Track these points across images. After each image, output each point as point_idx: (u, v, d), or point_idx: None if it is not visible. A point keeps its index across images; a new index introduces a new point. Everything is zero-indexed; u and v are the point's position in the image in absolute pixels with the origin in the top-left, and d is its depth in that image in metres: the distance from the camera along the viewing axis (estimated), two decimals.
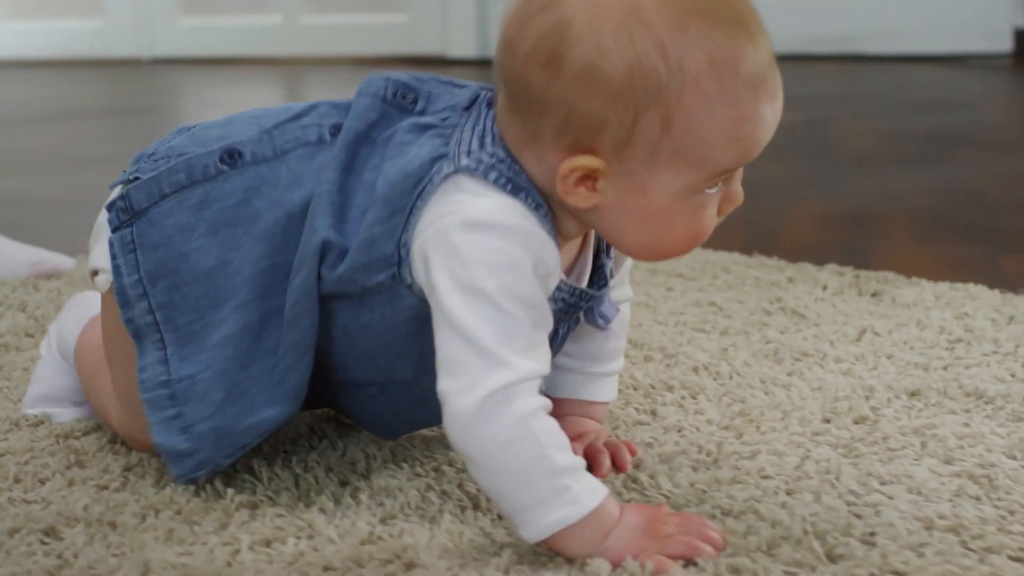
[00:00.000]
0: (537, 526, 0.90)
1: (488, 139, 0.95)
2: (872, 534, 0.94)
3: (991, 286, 1.56)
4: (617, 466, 1.06)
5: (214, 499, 1.02)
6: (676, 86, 0.88)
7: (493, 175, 0.93)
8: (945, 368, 1.29)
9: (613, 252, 1.06)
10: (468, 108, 0.98)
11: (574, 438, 1.06)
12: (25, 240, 1.89)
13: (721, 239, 1.89)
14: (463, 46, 4.62)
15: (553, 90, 0.89)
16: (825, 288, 1.58)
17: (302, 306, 0.97)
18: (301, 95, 4.54)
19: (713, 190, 0.93)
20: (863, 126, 2.93)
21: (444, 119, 0.97)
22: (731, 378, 1.28)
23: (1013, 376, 1.26)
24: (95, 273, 1.08)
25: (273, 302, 0.99)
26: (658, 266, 1.70)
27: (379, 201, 0.95)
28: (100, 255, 1.05)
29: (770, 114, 0.91)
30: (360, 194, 0.97)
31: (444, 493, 1.03)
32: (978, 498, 1.00)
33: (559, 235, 0.96)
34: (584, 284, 1.02)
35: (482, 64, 4.88)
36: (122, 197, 1.02)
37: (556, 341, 1.02)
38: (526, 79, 0.91)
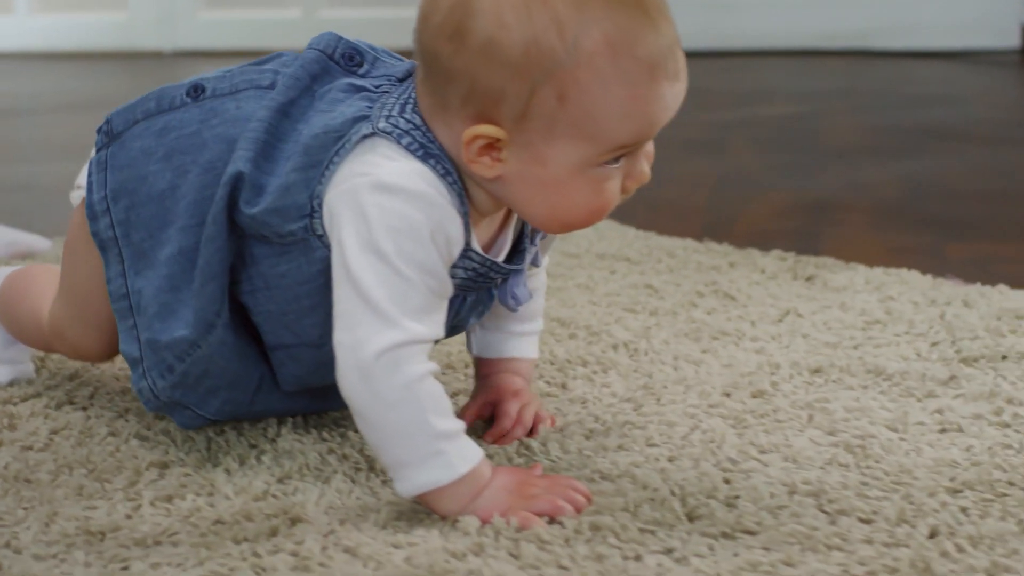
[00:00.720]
0: (411, 483, 0.95)
1: (408, 107, 0.99)
2: (736, 497, 0.99)
3: (936, 273, 1.60)
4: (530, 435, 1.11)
5: (128, 459, 1.09)
6: (571, 63, 0.92)
7: (406, 140, 0.97)
8: (855, 347, 1.33)
9: (538, 238, 1.10)
10: (402, 80, 1.02)
11: (511, 395, 1.13)
12: (14, 225, 1.95)
13: (678, 225, 1.93)
14: None
15: (458, 61, 0.94)
16: (763, 272, 1.62)
17: (210, 230, 1.02)
18: None
19: (615, 165, 0.97)
20: (853, 120, 2.96)
21: (377, 85, 1.02)
22: (646, 354, 1.33)
23: (918, 355, 1.30)
24: (77, 188, 1.14)
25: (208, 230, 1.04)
26: (607, 250, 1.75)
27: (300, 150, 1.00)
28: (82, 174, 1.12)
29: (669, 95, 0.95)
30: (289, 141, 1.02)
31: (344, 456, 1.09)
32: (847, 466, 1.04)
33: (473, 207, 1.01)
34: (500, 260, 1.06)
35: None
36: (107, 121, 1.10)
37: (464, 308, 1.07)
38: (435, 50, 0.95)
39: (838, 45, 4.28)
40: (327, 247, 1.00)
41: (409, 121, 0.98)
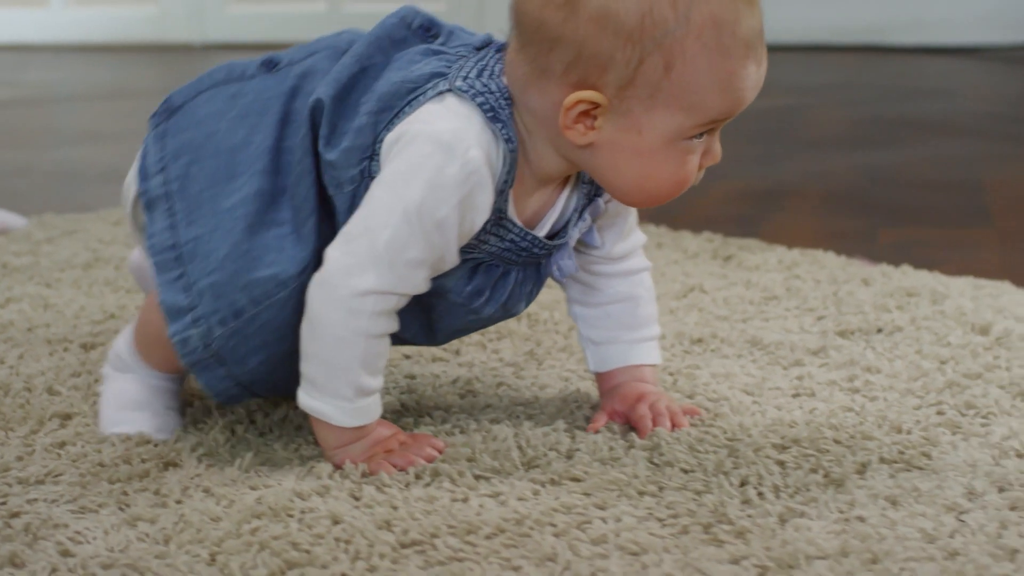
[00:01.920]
0: (311, 402, 1.03)
1: (487, 74, 1.01)
2: (576, 450, 1.06)
3: (863, 256, 1.66)
4: (674, 424, 1.10)
5: (36, 410, 1.18)
6: (681, 34, 0.96)
7: (480, 100, 1.00)
8: (743, 320, 1.40)
9: (588, 215, 1.10)
10: (479, 49, 1.05)
11: (635, 400, 1.12)
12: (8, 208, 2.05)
13: None
14: (497, 32, 4.76)
15: (567, 28, 0.96)
16: (685, 252, 1.69)
17: (303, 165, 1.03)
18: None
19: (699, 140, 1.00)
20: (838, 113, 3.01)
21: (456, 51, 1.05)
22: (544, 324, 1.40)
23: (800, 328, 1.37)
24: (136, 204, 1.11)
25: (288, 181, 1.04)
26: None
27: (375, 97, 1.02)
28: (131, 172, 1.11)
29: (755, 74, 0.99)
30: (361, 91, 1.03)
31: (228, 411, 1.17)
32: (694, 425, 1.11)
33: (530, 176, 1.04)
34: (543, 234, 1.07)
35: None
36: (163, 102, 1.11)
37: (514, 286, 1.08)
38: (542, 17, 0.97)
39: (852, 40, 4.32)
40: None
41: (485, 85, 1.01)
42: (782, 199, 2.10)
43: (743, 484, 0.99)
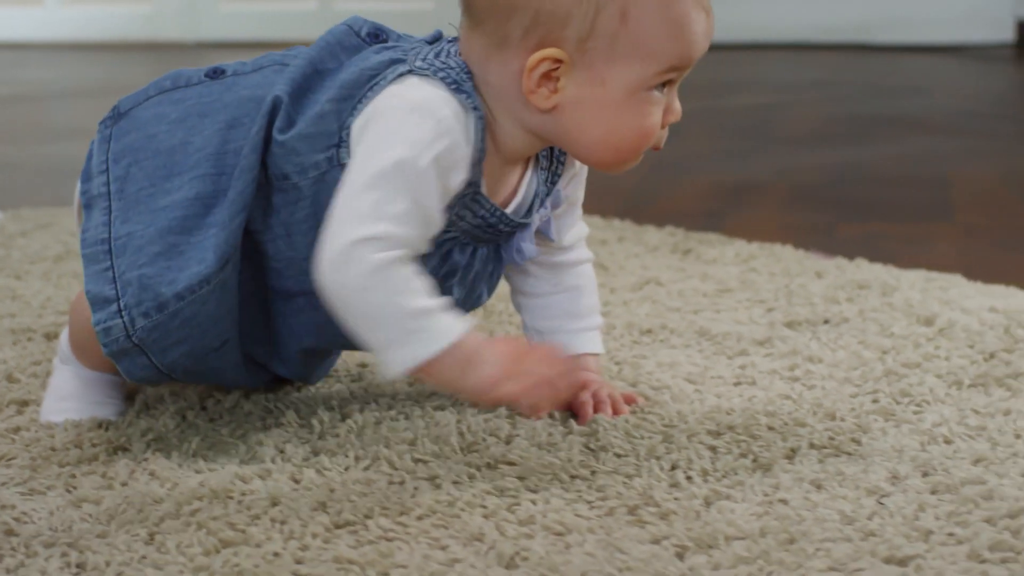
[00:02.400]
0: (393, 362, 0.99)
1: (443, 54, 1.05)
2: (515, 436, 1.09)
3: (821, 250, 1.69)
4: (615, 411, 1.13)
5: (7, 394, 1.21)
6: None
7: (441, 75, 1.02)
8: (695, 312, 1.43)
9: (550, 203, 1.13)
10: (431, 43, 1.09)
11: (577, 388, 1.12)
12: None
13: (598, 204, 2.03)
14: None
15: None
16: (646, 246, 1.71)
17: (248, 160, 1.04)
18: None
19: (659, 94, 1.03)
20: (815, 110, 3.03)
21: (409, 45, 1.08)
22: (499, 315, 1.43)
23: (750, 320, 1.40)
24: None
25: (227, 182, 1.06)
26: None
27: (336, 85, 1.04)
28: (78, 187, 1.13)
29: (704, 22, 1.03)
30: (319, 91, 1.05)
31: (178, 395, 1.20)
32: (633, 412, 1.14)
33: (497, 153, 1.06)
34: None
35: None
36: (113, 108, 1.12)
37: (475, 263, 1.10)
38: None
39: (837, 39, 4.34)
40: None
41: (443, 62, 1.04)
42: (748, 194, 2.12)
43: (673, 468, 1.02)
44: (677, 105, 1.06)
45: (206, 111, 1.09)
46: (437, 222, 1.03)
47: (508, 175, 1.09)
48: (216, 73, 1.11)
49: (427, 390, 1.20)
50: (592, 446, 1.06)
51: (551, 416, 1.13)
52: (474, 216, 1.07)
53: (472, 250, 1.10)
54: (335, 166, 1.04)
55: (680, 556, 0.89)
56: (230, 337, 1.09)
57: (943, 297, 1.46)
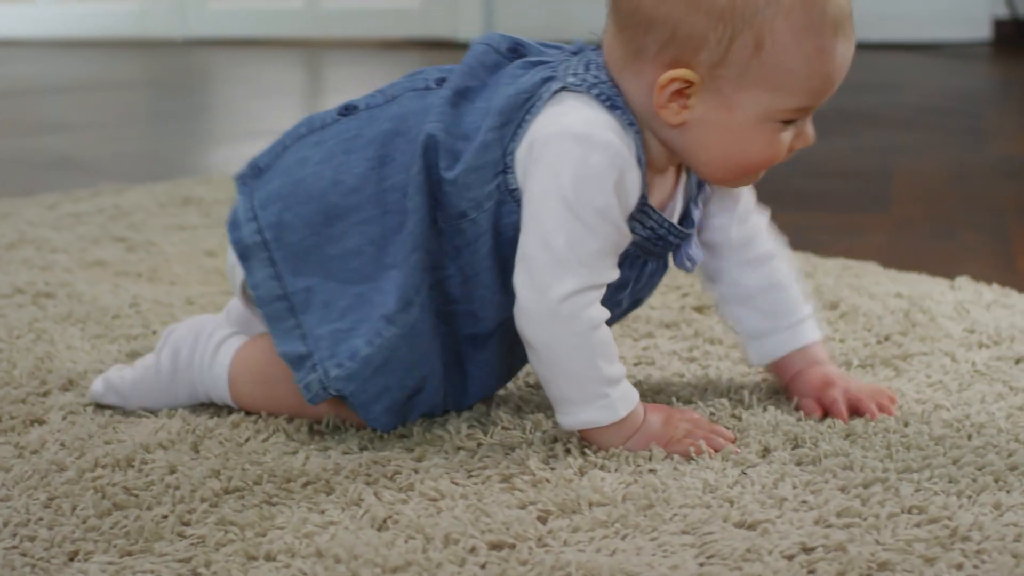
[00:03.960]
0: (573, 419, 1.04)
1: (593, 67, 1.05)
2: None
3: None
4: (859, 415, 1.11)
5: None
6: (771, 14, 0.99)
7: (595, 91, 1.03)
8: None
9: (701, 201, 1.13)
10: (575, 54, 1.08)
11: (824, 386, 1.13)
12: None
13: None
14: (470, 30, 4.84)
15: (662, 9, 1.00)
16: None
17: (414, 202, 1.03)
18: (322, 74, 4.78)
19: (788, 125, 1.03)
20: None
21: (553, 58, 1.08)
22: None
23: (663, 304, 1.45)
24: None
25: (393, 219, 1.05)
26: None
27: (494, 112, 1.04)
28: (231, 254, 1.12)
29: (845, 53, 1.02)
30: (470, 114, 1.05)
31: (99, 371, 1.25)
32: (512, 388, 1.19)
33: (649, 164, 1.06)
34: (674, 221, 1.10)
35: None
36: (249, 166, 1.12)
37: (644, 276, 1.11)
38: (638, 0, 1.02)
39: None
40: (518, 204, 1.04)
41: (595, 76, 1.04)
42: None
43: (554, 441, 1.07)
44: (809, 131, 1.06)
45: (349, 148, 1.07)
46: (627, 238, 1.05)
47: (661, 183, 1.10)
48: (348, 110, 1.10)
49: None
50: (482, 420, 1.12)
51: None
52: (644, 228, 1.07)
53: (642, 263, 1.10)
54: (504, 193, 1.04)
55: (543, 520, 0.94)
56: (427, 379, 1.08)
57: (855, 284, 1.51)
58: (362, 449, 1.06)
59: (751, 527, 0.92)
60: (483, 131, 1.03)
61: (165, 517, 0.95)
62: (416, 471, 1.02)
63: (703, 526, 0.92)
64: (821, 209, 2.00)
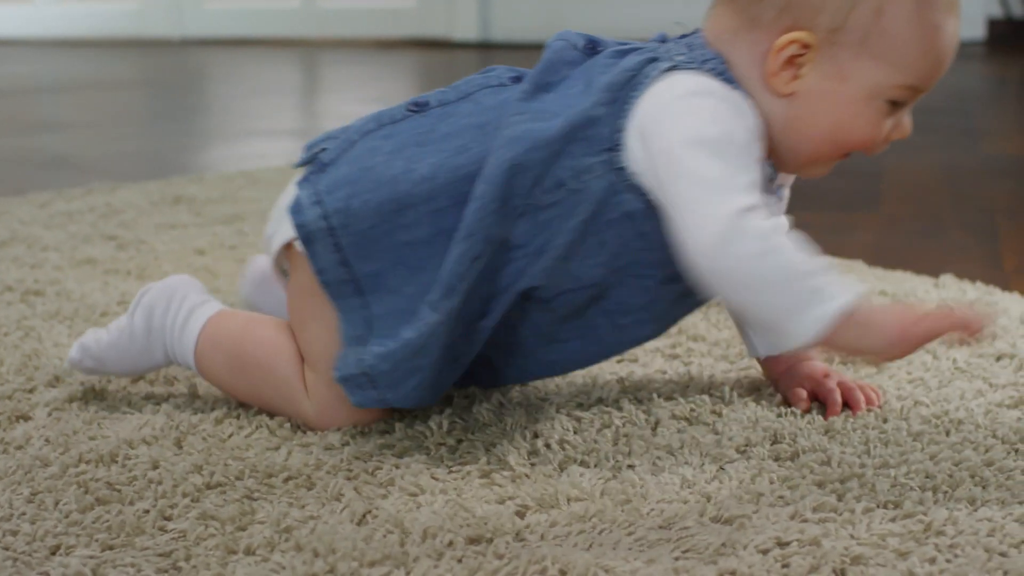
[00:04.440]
0: (800, 329, 0.96)
1: (697, 48, 1.03)
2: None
3: None
4: (850, 406, 1.12)
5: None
6: None
7: (708, 66, 1.02)
8: None
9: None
10: (662, 42, 1.06)
11: (823, 376, 1.14)
12: None
13: None
14: (466, 30, 4.85)
15: None
16: None
17: (477, 190, 1.00)
18: (317, 73, 4.79)
19: (893, 109, 1.02)
20: None
21: (644, 44, 1.06)
22: None
23: None
24: (287, 250, 1.10)
25: (460, 215, 1.02)
26: None
27: (601, 87, 1.01)
28: (272, 223, 1.10)
29: (954, 34, 1.02)
30: (542, 101, 1.03)
31: (108, 380, 1.26)
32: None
33: None
34: None
35: (484, 47, 5.10)
36: (313, 159, 1.08)
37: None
38: None
39: None
40: (625, 183, 1.01)
41: (703, 54, 1.03)
42: None
43: (535, 437, 1.08)
44: (907, 122, 1.05)
45: (423, 141, 1.05)
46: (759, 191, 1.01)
47: None
48: (419, 106, 1.09)
49: None
50: (463, 417, 1.12)
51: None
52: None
53: None
54: (610, 171, 1.01)
55: (521, 515, 0.94)
56: (461, 357, 1.07)
57: None
58: (344, 445, 1.07)
59: (727, 522, 0.93)
60: (589, 105, 1.01)
61: (147, 512, 0.95)
62: (397, 467, 1.03)
63: (680, 521, 0.93)
64: (810, 208, 2.01)
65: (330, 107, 3.83)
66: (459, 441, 1.07)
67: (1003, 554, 0.87)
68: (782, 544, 0.89)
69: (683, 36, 1.06)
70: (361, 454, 1.05)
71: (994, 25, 4.24)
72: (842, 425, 1.09)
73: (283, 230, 1.09)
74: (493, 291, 1.04)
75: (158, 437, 1.09)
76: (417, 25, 4.97)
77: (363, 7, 5.02)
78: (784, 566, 0.86)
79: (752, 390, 1.19)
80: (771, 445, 1.06)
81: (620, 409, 1.13)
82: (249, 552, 0.89)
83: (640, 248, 1.03)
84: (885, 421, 1.10)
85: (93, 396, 1.20)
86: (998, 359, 1.26)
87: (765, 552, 0.88)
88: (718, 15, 1.05)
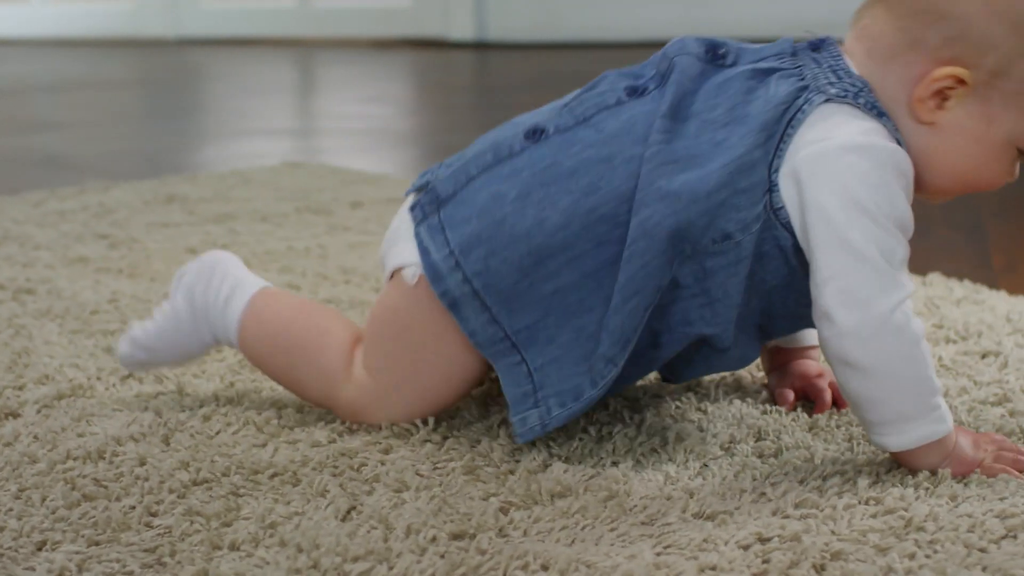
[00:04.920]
0: (909, 436, 0.98)
1: (843, 73, 1.01)
2: None
3: None
4: (839, 406, 1.15)
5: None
6: None
7: (861, 100, 1.00)
8: None
9: None
10: (794, 55, 1.03)
11: (816, 376, 1.16)
12: None
13: None
14: (462, 30, 4.86)
15: (959, 6, 0.98)
16: None
17: (638, 247, 0.99)
18: (313, 72, 4.79)
19: (1020, 157, 1.02)
20: None
21: (781, 61, 1.03)
22: None
23: None
24: (394, 273, 1.08)
25: (608, 250, 1.01)
26: None
27: (751, 129, 0.99)
28: (402, 253, 1.07)
29: None
30: (686, 138, 1.01)
31: (99, 379, 1.26)
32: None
33: None
34: None
35: (480, 47, 5.10)
36: (426, 192, 1.06)
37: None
38: None
39: (804, 35, 4.40)
40: (782, 223, 1.00)
41: (853, 84, 1.01)
42: None
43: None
44: (1017, 170, 1.05)
45: (547, 180, 1.02)
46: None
47: None
48: (536, 134, 1.05)
49: None
50: (450, 415, 1.13)
51: None
52: None
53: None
54: (770, 212, 1.00)
55: (504, 511, 0.95)
56: (630, 379, 1.07)
57: None
58: (330, 442, 1.08)
59: (709, 518, 0.93)
60: (744, 151, 0.99)
61: (133, 508, 0.96)
62: (383, 463, 1.03)
63: (662, 517, 0.93)
64: None
65: (325, 107, 3.84)
66: (444, 438, 1.08)
67: (983, 549, 0.88)
68: (763, 540, 0.89)
69: (814, 46, 1.03)
70: (347, 450, 1.05)
71: None
72: (826, 422, 1.10)
73: (393, 255, 1.08)
74: (661, 328, 1.03)
75: (146, 434, 1.10)
76: (413, 25, 4.98)
77: (359, 7, 5.03)
78: (764, 561, 0.86)
79: (737, 388, 1.19)
80: (755, 442, 1.07)
81: (605, 407, 1.14)
82: (234, 547, 0.90)
83: (787, 277, 1.02)
84: None
85: (82, 393, 1.21)
86: (983, 356, 1.27)
87: (746, 548, 0.88)
88: (874, 24, 1.02)
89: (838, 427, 1.09)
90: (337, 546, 0.89)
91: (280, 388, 1.20)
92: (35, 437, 1.10)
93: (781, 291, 1.04)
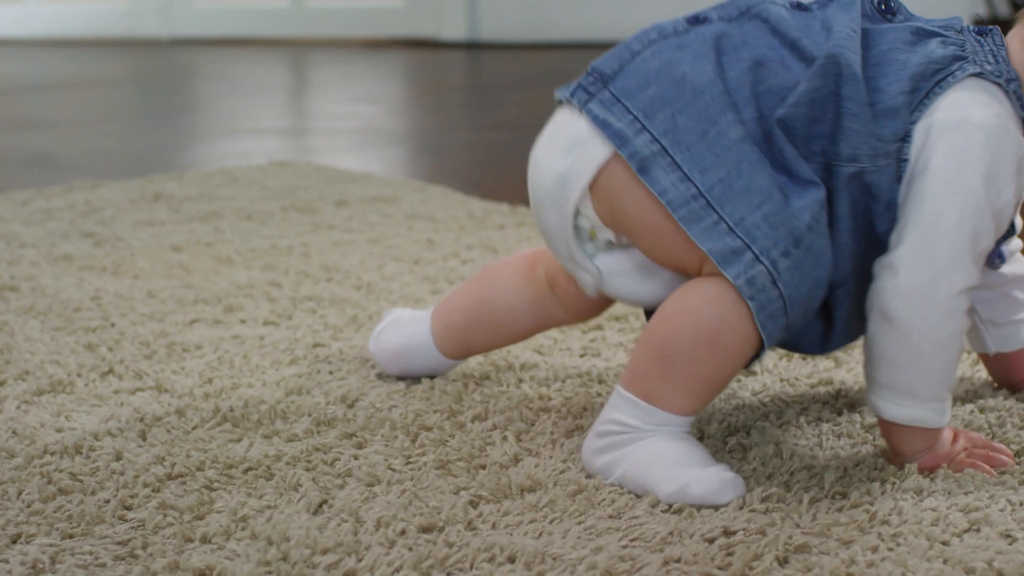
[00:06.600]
0: (903, 412, 1.00)
1: (1000, 59, 1.02)
2: (357, 400, 1.16)
3: None
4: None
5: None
6: None
7: (1012, 86, 1.01)
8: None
9: None
10: (960, 32, 1.04)
11: None
12: None
13: (503, 191, 2.11)
14: (454, 30, 4.87)
15: None
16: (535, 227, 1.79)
17: (819, 144, 1.00)
18: (305, 72, 4.80)
19: None
20: None
21: (945, 31, 1.04)
22: (378, 293, 1.51)
23: None
24: (601, 169, 1.03)
25: (767, 125, 1.00)
26: (422, 211, 1.92)
27: (905, 76, 1.00)
28: (594, 152, 1.02)
29: None
30: (867, 48, 1.01)
31: (79, 375, 1.28)
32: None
33: None
34: None
35: (471, 47, 5.12)
36: (587, 74, 1.04)
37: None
38: None
39: None
40: (903, 173, 1.01)
41: (1008, 71, 1.02)
42: None
43: (493, 429, 1.10)
44: None
45: (721, 48, 1.02)
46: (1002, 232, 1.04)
47: None
48: (698, 20, 1.05)
49: (287, 358, 1.28)
50: (424, 410, 1.14)
51: (386, 380, 1.21)
52: None
53: None
54: (899, 160, 1.01)
55: (474, 505, 0.96)
56: (826, 279, 1.03)
57: None
58: (306, 436, 1.09)
59: (677, 512, 0.94)
60: (893, 93, 1.00)
61: (107, 502, 0.97)
62: (356, 457, 1.04)
63: (629, 511, 0.95)
64: None
65: (317, 106, 3.85)
66: (418, 433, 1.09)
67: (945, 543, 0.89)
68: (728, 533, 0.91)
69: (981, 32, 1.04)
70: (321, 445, 1.06)
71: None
72: (796, 420, 1.11)
73: (579, 166, 1.03)
74: None
75: (123, 429, 1.11)
76: (405, 25, 5.00)
77: (351, 7, 5.05)
78: (728, 554, 0.88)
79: None
80: (725, 437, 1.08)
81: (568, 401, 1.15)
82: (205, 540, 0.91)
83: (863, 246, 1.03)
84: (839, 415, 1.12)
85: (62, 390, 1.22)
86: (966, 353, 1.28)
87: (711, 541, 0.90)
88: None
89: (808, 423, 1.10)
90: (307, 539, 0.90)
91: (258, 384, 1.21)
92: (14, 432, 1.11)
93: (853, 261, 1.03)
